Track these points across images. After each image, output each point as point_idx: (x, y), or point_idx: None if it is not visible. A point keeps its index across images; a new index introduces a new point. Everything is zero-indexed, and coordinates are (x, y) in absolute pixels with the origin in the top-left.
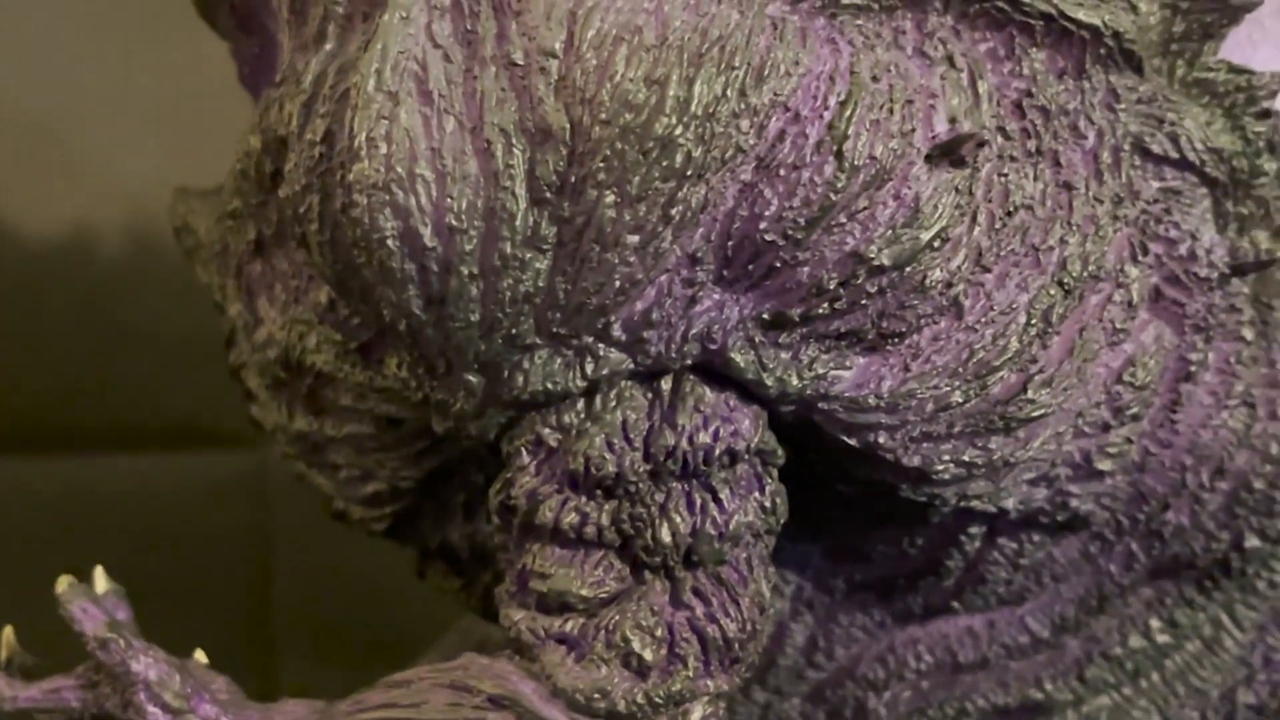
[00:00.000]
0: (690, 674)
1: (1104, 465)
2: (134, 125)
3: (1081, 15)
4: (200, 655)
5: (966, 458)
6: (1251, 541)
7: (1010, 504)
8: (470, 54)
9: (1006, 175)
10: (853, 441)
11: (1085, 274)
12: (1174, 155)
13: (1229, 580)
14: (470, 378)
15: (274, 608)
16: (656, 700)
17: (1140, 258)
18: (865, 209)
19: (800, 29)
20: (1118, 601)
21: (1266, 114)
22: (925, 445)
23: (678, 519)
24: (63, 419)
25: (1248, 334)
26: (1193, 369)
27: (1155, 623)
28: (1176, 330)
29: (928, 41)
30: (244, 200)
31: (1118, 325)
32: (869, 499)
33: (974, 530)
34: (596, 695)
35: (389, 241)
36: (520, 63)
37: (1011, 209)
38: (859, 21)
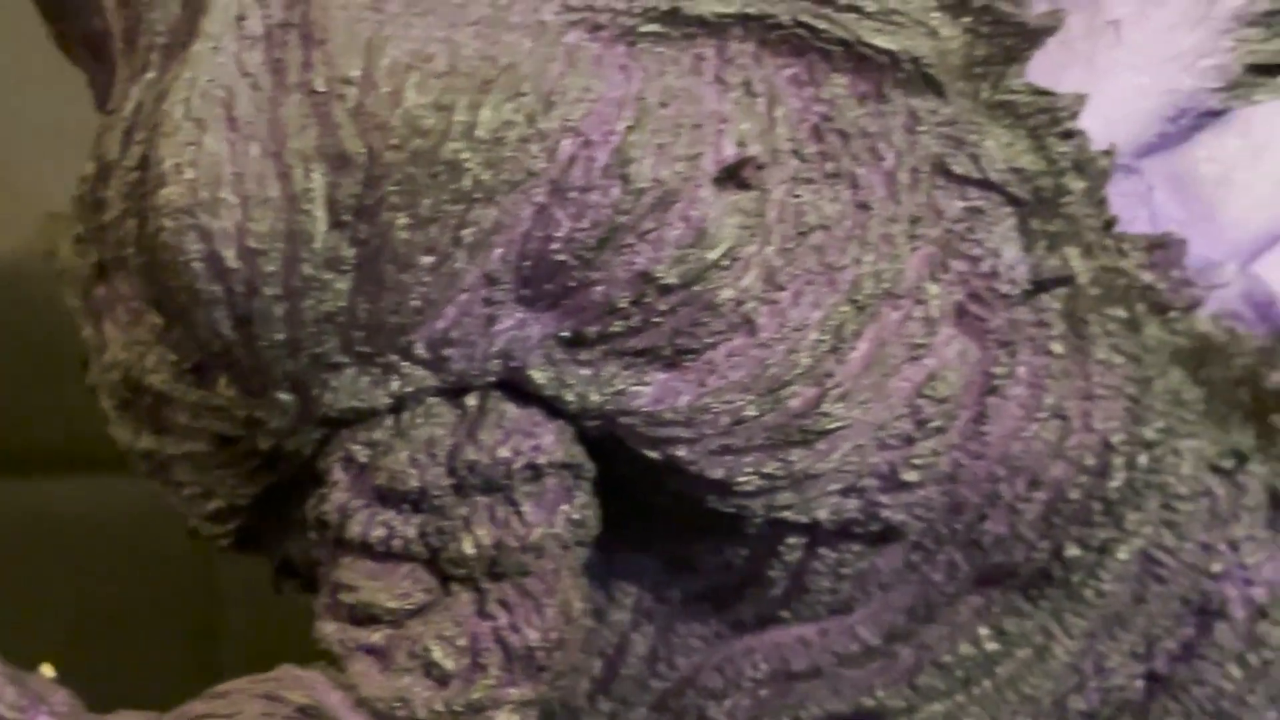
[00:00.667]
0: (492, 682)
1: (910, 476)
2: (78, 151)
3: (878, 41)
4: (47, 669)
5: (768, 470)
6: (1071, 551)
7: (822, 515)
8: (277, 82)
9: (800, 196)
10: (654, 455)
11: (880, 291)
12: (976, 175)
13: (1055, 589)
14: (282, 396)
15: (221, 629)
16: (456, 708)
17: (941, 275)
18: (653, 230)
19: (596, 56)
20: (946, 610)
21: (1070, 134)
22: (726, 458)
23: (480, 532)
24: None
25: (1057, 348)
26: (997, 382)
27: (984, 631)
28: (980, 345)
29: (727, 68)
30: (85, 225)
31: (918, 341)
32: (691, 511)
33: (793, 541)
34: (398, 704)
35: (194, 264)
36: (321, 90)
37: (805, 229)
38: (659, 49)
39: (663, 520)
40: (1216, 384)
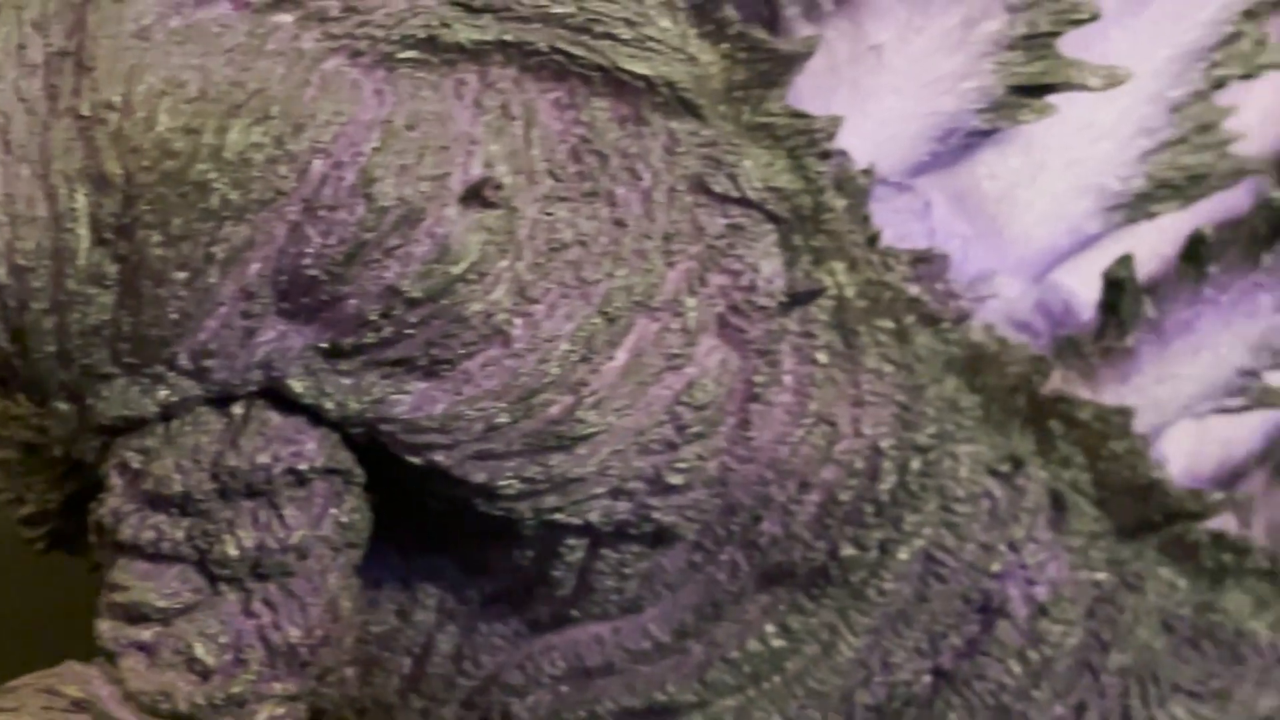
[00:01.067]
0: (253, 677)
1: (676, 480)
2: None
3: (634, 67)
4: None
5: (528, 474)
6: (847, 550)
7: (594, 518)
8: (50, 107)
9: (554, 214)
10: (416, 460)
11: (632, 304)
12: (735, 194)
13: (837, 588)
14: (60, 405)
15: None
16: (216, 701)
17: (700, 289)
18: (398, 246)
19: (353, 81)
20: (733, 608)
21: (827, 154)
22: (488, 463)
23: (243, 535)
24: None
25: (822, 358)
26: (759, 390)
27: (770, 628)
28: (741, 354)
29: (487, 92)
30: None
31: (675, 351)
32: (474, 514)
33: (573, 542)
34: (161, 697)
35: None
36: (86, 114)
37: (559, 245)
38: (419, 74)
39: (455, 523)
40: (993, 391)
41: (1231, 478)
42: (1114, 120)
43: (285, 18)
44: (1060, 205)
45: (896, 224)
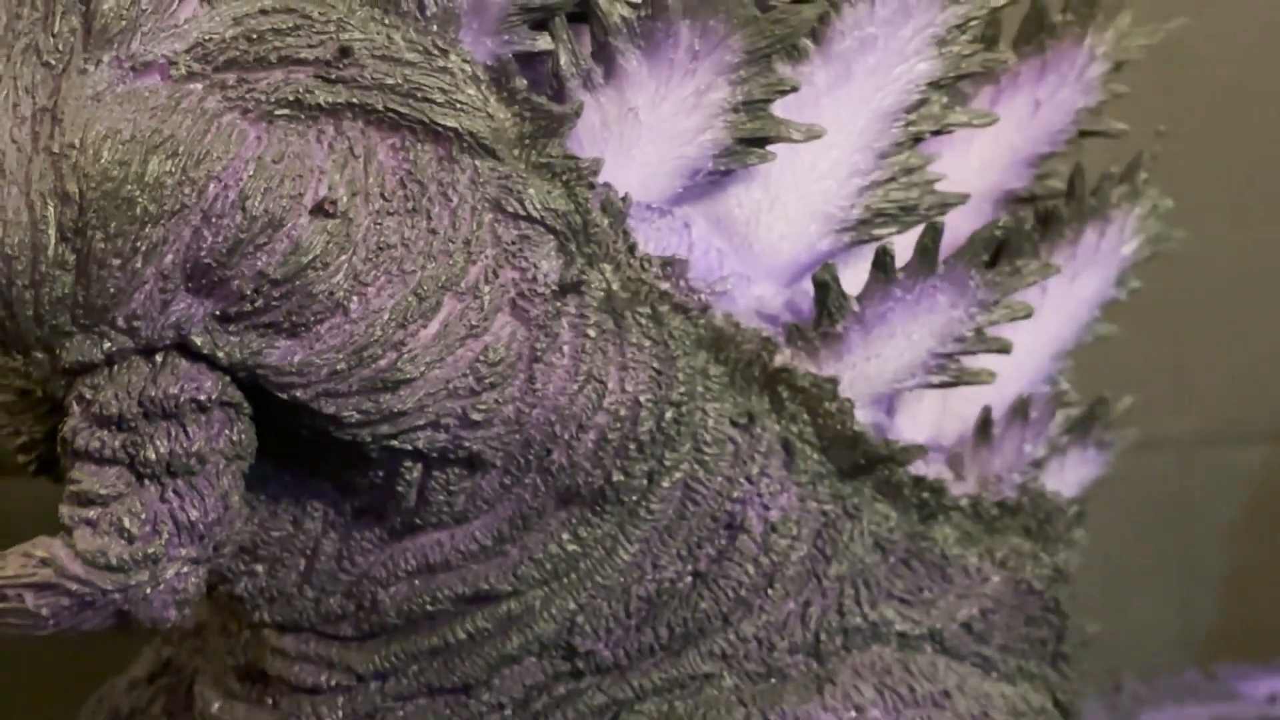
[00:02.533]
0: (164, 543)
1: (477, 417)
2: None
3: (447, 122)
4: None
5: (364, 408)
6: (618, 477)
7: (420, 444)
8: (34, 146)
9: (383, 224)
10: (283, 396)
11: (440, 289)
12: (522, 213)
13: (616, 507)
14: (38, 355)
15: None
16: (138, 558)
17: (494, 280)
18: (266, 243)
19: (240, 130)
20: (537, 520)
21: (593, 185)
22: (335, 399)
23: (160, 444)
24: None
25: (592, 333)
26: (540, 354)
27: (566, 536)
28: (526, 328)
29: (339, 138)
30: None
31: (474, 324)
32: (339, 444)
33: (409, 464)
34: (99, 554)
35: None
36: (56, 152)
37: (385, 245)
38: (290, 125)
39: (329, 452)
40: (734, 363)
41: (961, 445)
42: (832, 165)
43: (196, 86)
44: (796, 228)
45: (661, 239)
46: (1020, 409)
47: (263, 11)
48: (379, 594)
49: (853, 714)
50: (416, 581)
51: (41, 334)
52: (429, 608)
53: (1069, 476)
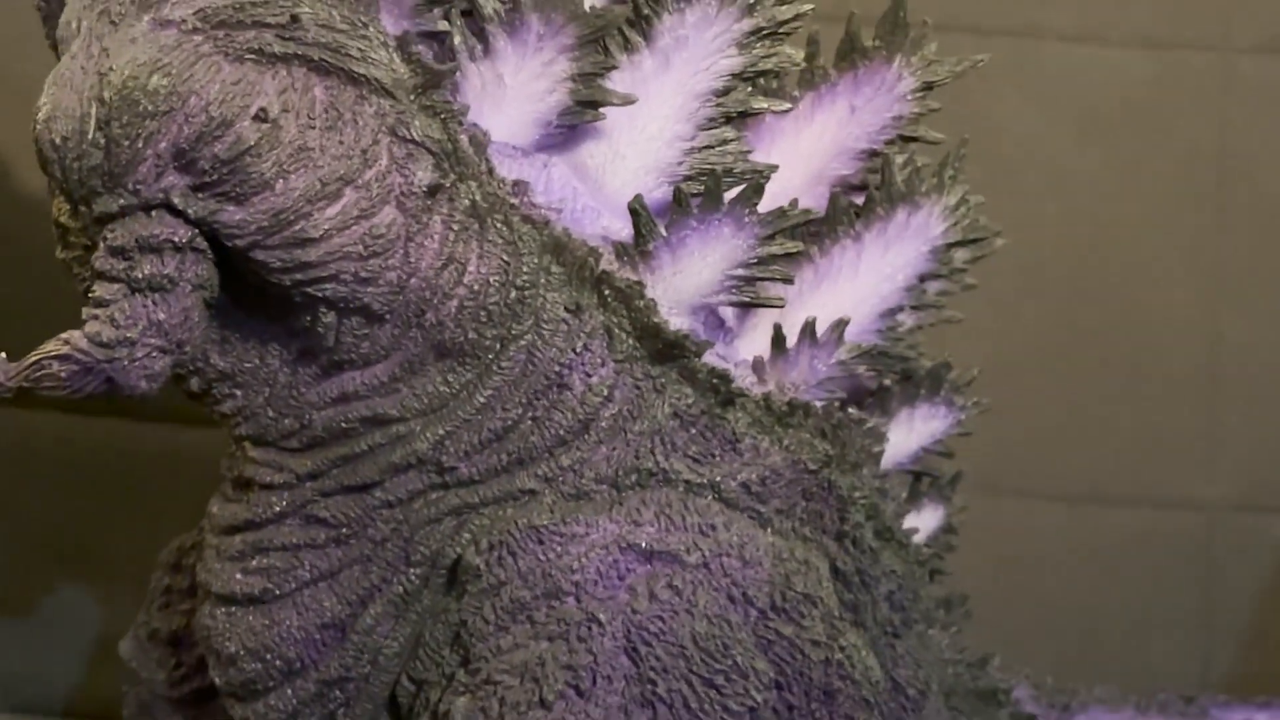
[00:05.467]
0: (139, 331)
1: (366, 276)
2: None
3: (363, 71)
4: None
5: (282, 257)
6: (473, 336)
7: (328, 293)
8: (91, 67)
9: (305, 134)
10: (229, 244)
11: (341, 181)
12: (410, 137)
13: (474, 360)
14: (81, 209)
15: None
16: (120, 339)
17: (384, 180)
18: (220, 136)
19: (218, 63)
20: (420, 365)
21: (461, 123)
22: (263, 250)
23: (147, 268)
24: None
25: (456, 228)
26: (413, 235)
27: (439, 379)
28: (405, 217)
29: (286, 76)
30: None
31: (365, 209)
32: (278, 293)
33: (324, 310)
34: (97, 335)
35: (43, 152)
36: (100, 71)
37: (305, 145)
38: (256, 65)
39: (276, 301)
40: (569, 265)
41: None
42: (660, 131)
43: (197, 36)
44: (636, 177)
45: (523, 171)
46: (808, 330)
47: None
48: (313, 416)
49: (630, 526)
50: (337, 408)
51: (84, 192)
52: (344, 426)
53: (919, 427)
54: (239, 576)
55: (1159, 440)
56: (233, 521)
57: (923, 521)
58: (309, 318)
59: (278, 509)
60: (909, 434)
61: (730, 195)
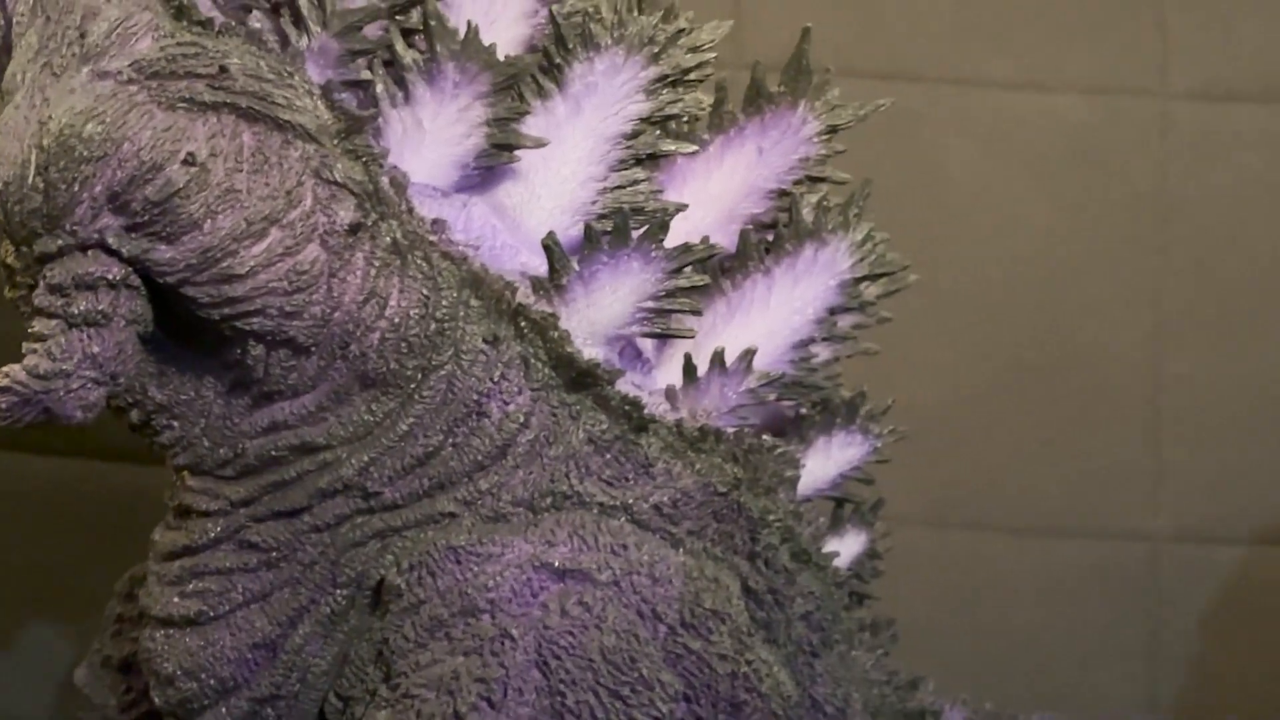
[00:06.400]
0: (74, 363)
1: (291, 310)
2: None
3: (288, 118)
4: None
5: (212, 293)
6: (395, 367)
7: (255, 327)
8: (33, 117)
9: (233, 177)
10: (160, 281)
11: (266, 221)
12: (333, 179)
13: (397, 389)
14: (24, 249)
15: None
16: (56, 371)
17: (308, 220)
18: (151, 179)
19: (151, 111)
20: (347, 395)
21: (382, 165)
22: (192, 286)
23: (84, 304)
24: None
25: (378, 264)
26: (336, 272)
27: (364, 408)
28: (328, 254)
29: (216, 123)
30: None
31: (289, 246)
32: (210, 328)
33: (253, 344)
34: (35, 367)
35: None
36: (41, 120)
37: (233, 188)
38: (188, 113)
39: (209, 334)
40: (487, 299)
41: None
42: (573, 173)
43: (132, 86)
44: (552, 216)
45: (445, 213)
46: (717, 360)
47: (178, 44)
48: (246, 445)
49: (544, 546)
50: (268, 436)
51: (25, 234)
52: (274, 454)
53: (837, 455)
54: (176, 600)
55: (1104, 473)
56: (171, 548)
57: (846, 546)
58: (239, 350)
59: (213, 534)
60: (827, 461)
61: (638, 232)
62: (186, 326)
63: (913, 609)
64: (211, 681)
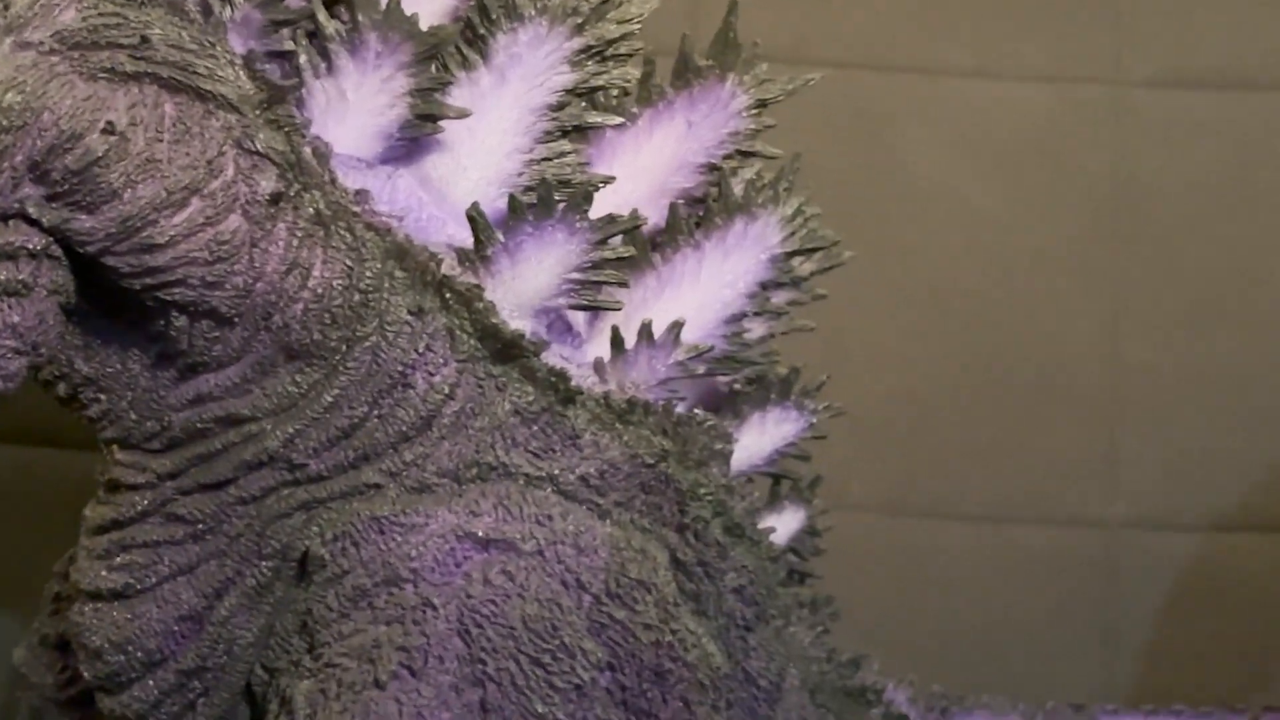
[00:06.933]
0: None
1: (213, 280)
2: None
3: (210, 88)
4: None
5: (134, 263)
6: (318, 338)
7: (177, 297)
8: None
9: (154, 146)
10: (81, 251)
11: (187, 190)
12: (254, 149)
13: (321, 361)
14: None
15: None
16: None
17: (230, 190)
18: (71, 149)
19: (72, 82)
20: (272, 368)
21: (304, 135)
22: (113, 256)
23: (4, 274)
24: None
25: (300, 234)
26: (259, 242)
27: (289, 379)
28: (250, 224)
29: (137, 93)
30: None
31: (210, 216)
32: (133, 299)
33: (176, 315)
34: None
35: None
36: None
37: (153, 157)
38: (109, 83)
39: (132, 308)
40: (412, 270)
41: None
42: (499, 144)
43: (54, 57)
44: (478, 188)
45: (369, 184)
46: (645, 332)
47: (101, 15)
48: (172, 418)
49: (468, 517)
50: (194, 409)
51: None
52: (200, 427)
53: (771, 430)
54: (104, 573)
55: (1061, 460)
56: (101, 522)
57: (783, 523)
58: (163, 322)
59: (140, 508)
60: (762, 437)
61: (563, 202)
62: (111, 299)
63: (869, 596)
64: (138, 654)
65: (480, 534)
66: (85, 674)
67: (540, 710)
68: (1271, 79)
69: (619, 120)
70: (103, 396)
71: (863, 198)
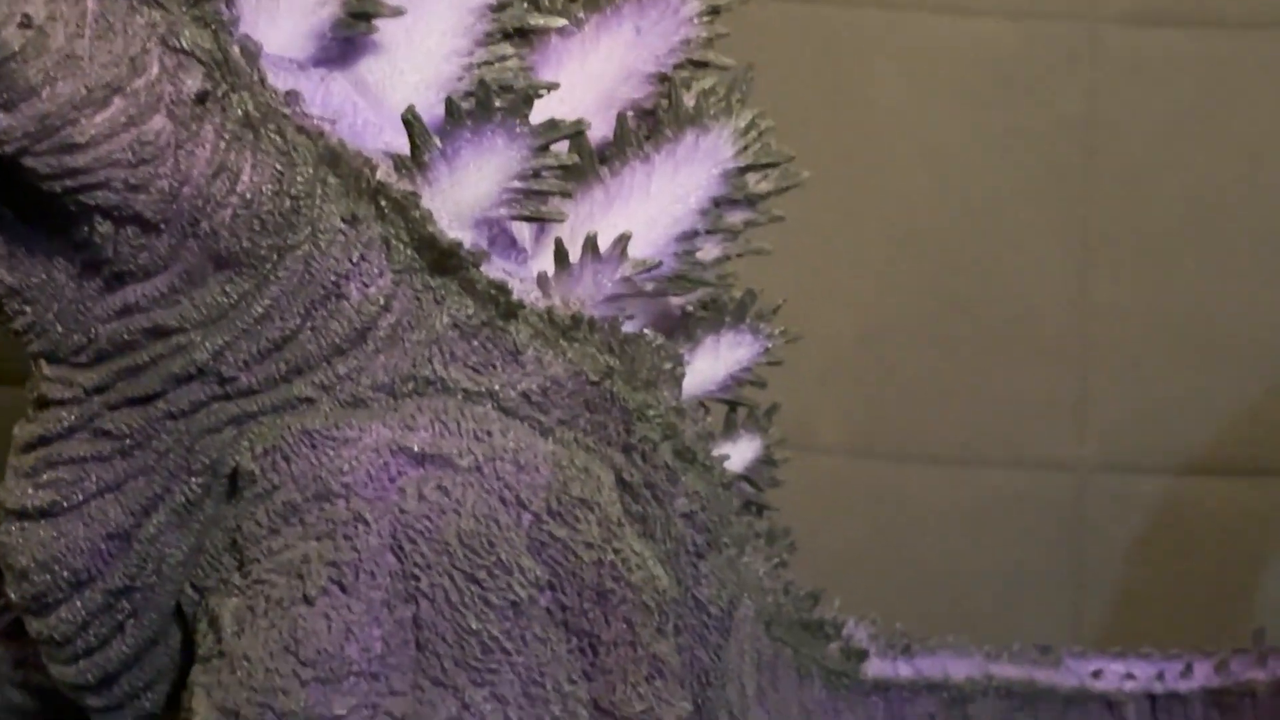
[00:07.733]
0: None
1: (136, 183)
2: None
3: None
4: None
5: (51, 164)
6: (248, 245)
7: (99, 201)
8: None
9: (74, 42)
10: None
11: (109, 89)
12: (179, 47)
13: (251, 269)
14: None
15: None
16: None
17: (154, 90)
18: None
19: None
20: (201, 276)
21: (232, 33)
22: (31, 156)
23: None
24: None
25: (229, 136)
26: (184, 144)
27: (218, 290)
28: (174, 125)
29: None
30: None
31: (133, 116)
32: (59, 206)
33: (100, 220)
34: None
35: None
36: None
37: (73, 53)
38: None
39: (55, 214)
40: (345, 177)
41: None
42: (438, 46)
43: None
44: (416, 93)
45: (301, 86)
46: (590, 245)
47: None
48: (99, 330)
49: (404, 431)
50: (120, 320)
51: None
52: (127, 339)
53: (726, 355)
54: (30, 491)
55: (1029, 403)
56: (29, 439)
57: (739, 451)
58: (87, 228)
59: (66, 424)
60: (716, 361)
61: (502, 106)
62: (34, 205)
63: (837, 539)
64: (65, 574)
65: (415, 449)
66: (12, 596)
67: (474, 626)
68: (1244, 16)
69: (562, 22)
70: (28, 309)
71: (828, 135)
